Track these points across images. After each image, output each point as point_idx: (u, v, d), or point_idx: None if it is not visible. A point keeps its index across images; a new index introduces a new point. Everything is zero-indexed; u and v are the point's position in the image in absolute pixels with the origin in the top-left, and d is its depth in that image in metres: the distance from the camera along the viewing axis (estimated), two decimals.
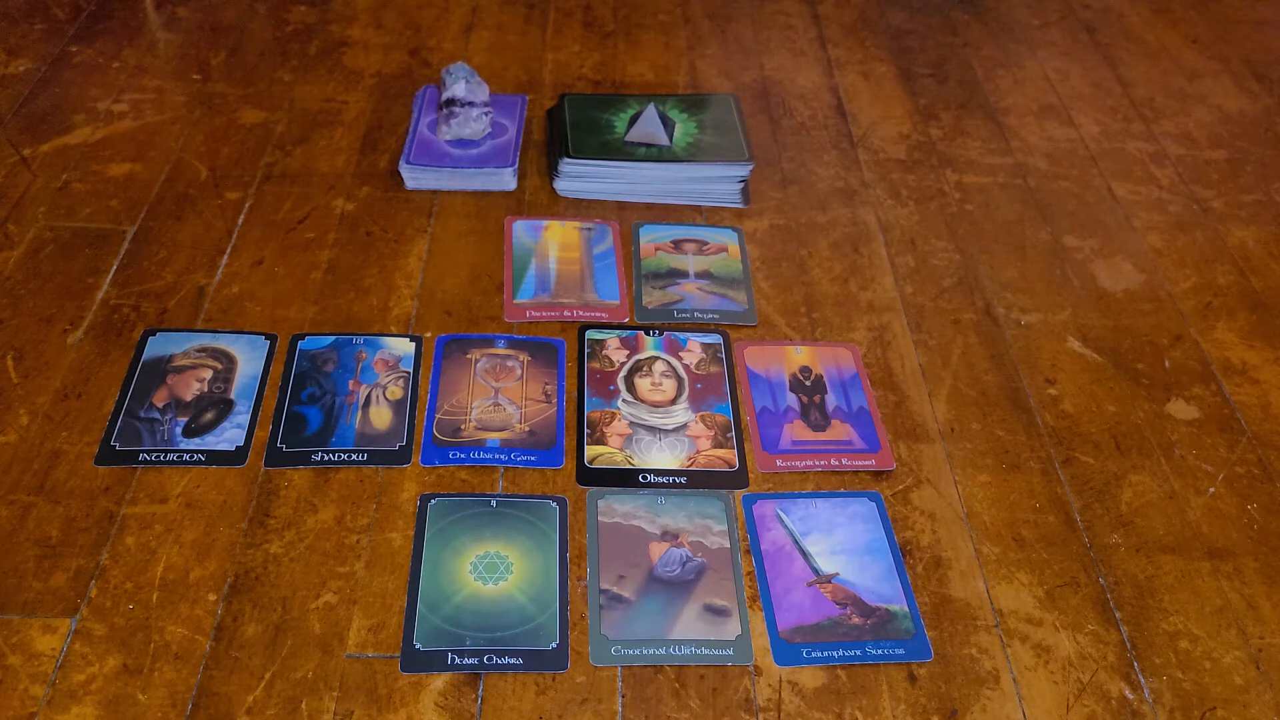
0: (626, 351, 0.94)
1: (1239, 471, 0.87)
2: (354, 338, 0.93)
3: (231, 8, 1.37)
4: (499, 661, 0.71)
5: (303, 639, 0.72)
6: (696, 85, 1.29)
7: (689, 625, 0.74)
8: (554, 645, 0.72)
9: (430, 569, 0.76)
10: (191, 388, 0.87)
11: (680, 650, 0.72)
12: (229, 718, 0.67)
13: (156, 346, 0.91)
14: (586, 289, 1.00)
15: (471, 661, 0.71)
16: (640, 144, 1.12)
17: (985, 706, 0.71)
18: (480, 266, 1.02)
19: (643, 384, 0.91)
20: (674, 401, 0.90)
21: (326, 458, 0.83)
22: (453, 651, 0.71)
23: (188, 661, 0.70)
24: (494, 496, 0.81)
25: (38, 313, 0.94)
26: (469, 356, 0.92)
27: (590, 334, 0.95)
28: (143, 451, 0.82)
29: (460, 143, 1.13)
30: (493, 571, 0.76)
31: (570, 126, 1.14)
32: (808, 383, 0.92)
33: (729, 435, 0.87)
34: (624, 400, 0.89)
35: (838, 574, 0.78)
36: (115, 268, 0.99)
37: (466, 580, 0.76)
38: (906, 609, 0.76)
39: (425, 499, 0.80)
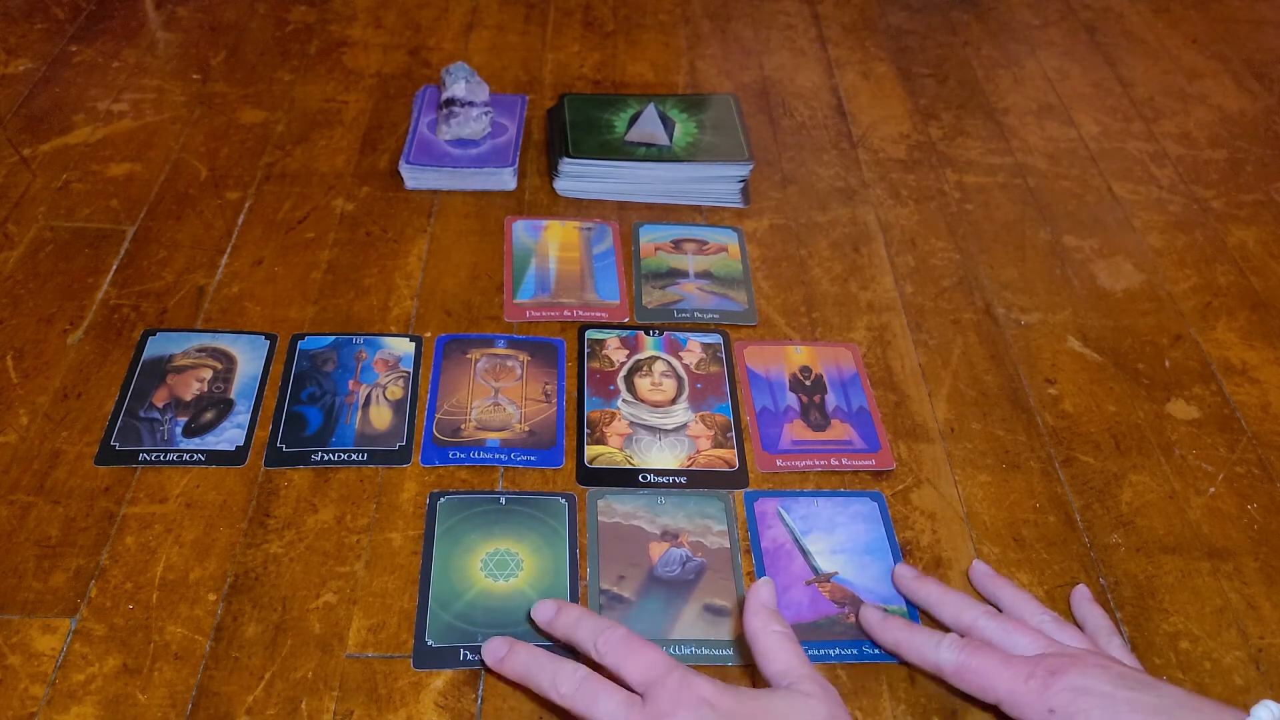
0: (626, 351, 0.94)
1: (1239, 471, 0.87)
2: (354, 337, 0.93)
3: (231, 7, 1.37)
4: None
5: (303, 639, 0.72)
6: (696, 85, 1.29)
7: (689, 625, 0.74)
8: None
9: (441, 566, 0.76)
10: (191, 388, 0.87)
11: (680, 650, 0.72)
12: (229, 718, 0.67)
13: (156, 346, 0.91)
14: (586, 289, 1.00)
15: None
16: (640, 144, 1.12)
17: (986, 707, 0.71)
18: (480, 266, 1.02)
19: (643, 384, 0.91)
20: (674, 401, 0.90)
21: (326, 457, 0.83)
22: (464, 648, 0.71)
23: (188, 661, 0.70)
24: (503, 494, 0.81)
25: (38, 313, 0.94)
26: (469, 356, 0.92)
27: (590, 334, 0.95)
28: (143, 451, 0.82)
29: (460, 143, 1.13)
30: (503, 568, 0.76)
31: (570, 126, 1.14)
32: (808, 382, 0.92)
33: (729, 435, 0.87)
34: (624, 400, 0.89)
35: (837, 573, 0.78)
36: (115, 268, 0.99)
37: (477, 577, 0.76)
38: (905, 609, 0.76)
39: (435, 496, 0.80)
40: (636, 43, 1.36)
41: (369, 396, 0.88)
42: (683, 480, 0.83)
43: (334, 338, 0.93)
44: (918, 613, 0.75)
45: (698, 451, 0.86)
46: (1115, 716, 0.59)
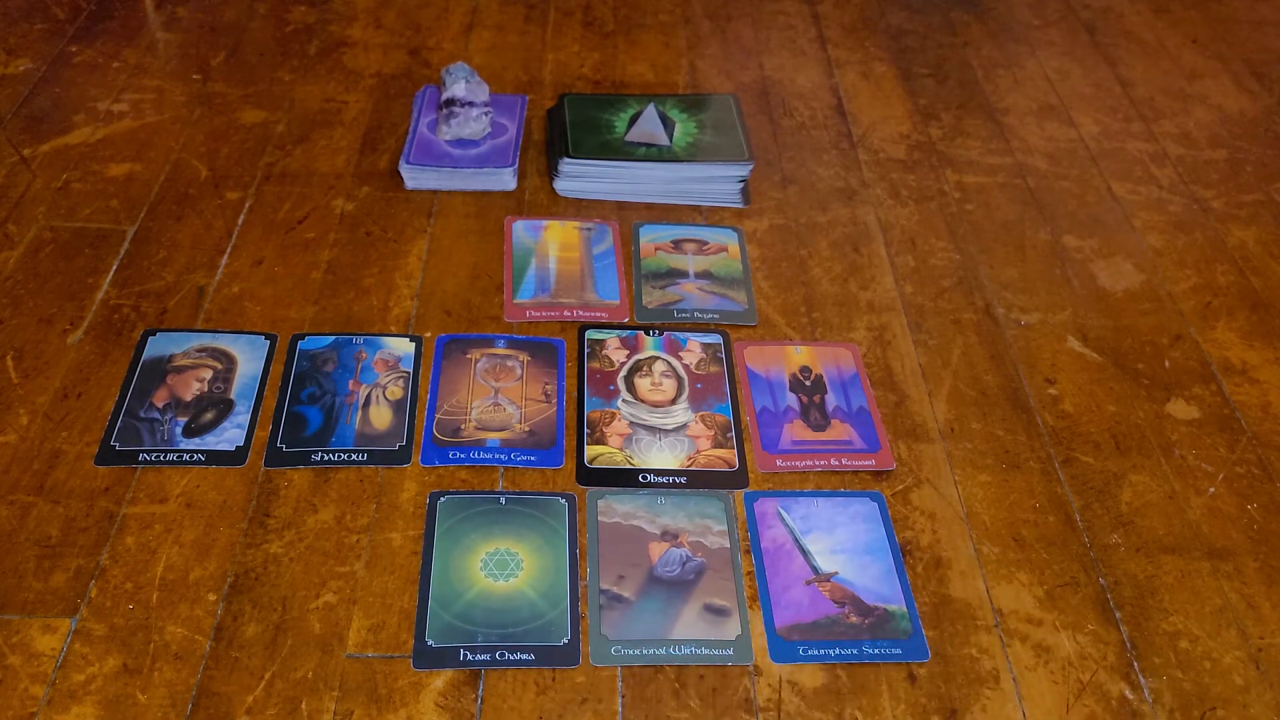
0: (626, 351, 0.94)
1: (1239, 471, 0.87)
2: (354, 338, 0.93)
3: (231, 8, 1.37)
4: (511, 657, 0.71)
5: (303, 639, 0.72)
6: (696, 85, 1.29)
7: (689, 625, 0.74)
8: (565, 641, 0.72)
9: (441, 566, 0.76)
10: (191, 388, 0.87)
11: (680, 650, 0.72)
12: (229, 718, 0.67)
13: (156, 346, 0.91)
14: (586, 289, 1.00)
15: (484, 658, 0.71)
16: (640, 144, 1.12)
17: (985, 706, 0.71)
18: (480, 266, 1.02)
19: (643, 384, 0.91)
20: (674, 401, 0.90)
21: (326, 458, 0.83)
22: (464, 648, 0.71)
23: (188, 661, 0.70)
24: (503, 494, 0.81)
25: (38, 313, 0.94)
26: (469, 356, 0.92)
27: (590, 334, 0.95)
28: (143, 451, 0.82)
29: (460, 143, 1.13)
30: (503, 568, 0.76)
31: (570, 126, 1.14)
32: (808, 383, 0.92)
33: (729, 435, 0.87)
34: (624, 400, 0.89)
35: (837, 573, 0.78)
36: (115, 268, 0.99)
37: (477, 577, 0.76)
38: (905, 609, 0.76)
39: (435, 496, 0.80)
40: (636, 43, 1.36)
41: (369, 396, 0.88)
42: (683, 480, 0.83)
43: (334, 338, 0.93)
44: (920, 619, 0.75)
45: (698, 451, 0.86)
46: None
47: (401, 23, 1.37)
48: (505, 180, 1.10)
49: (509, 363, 0.92)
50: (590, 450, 0.85)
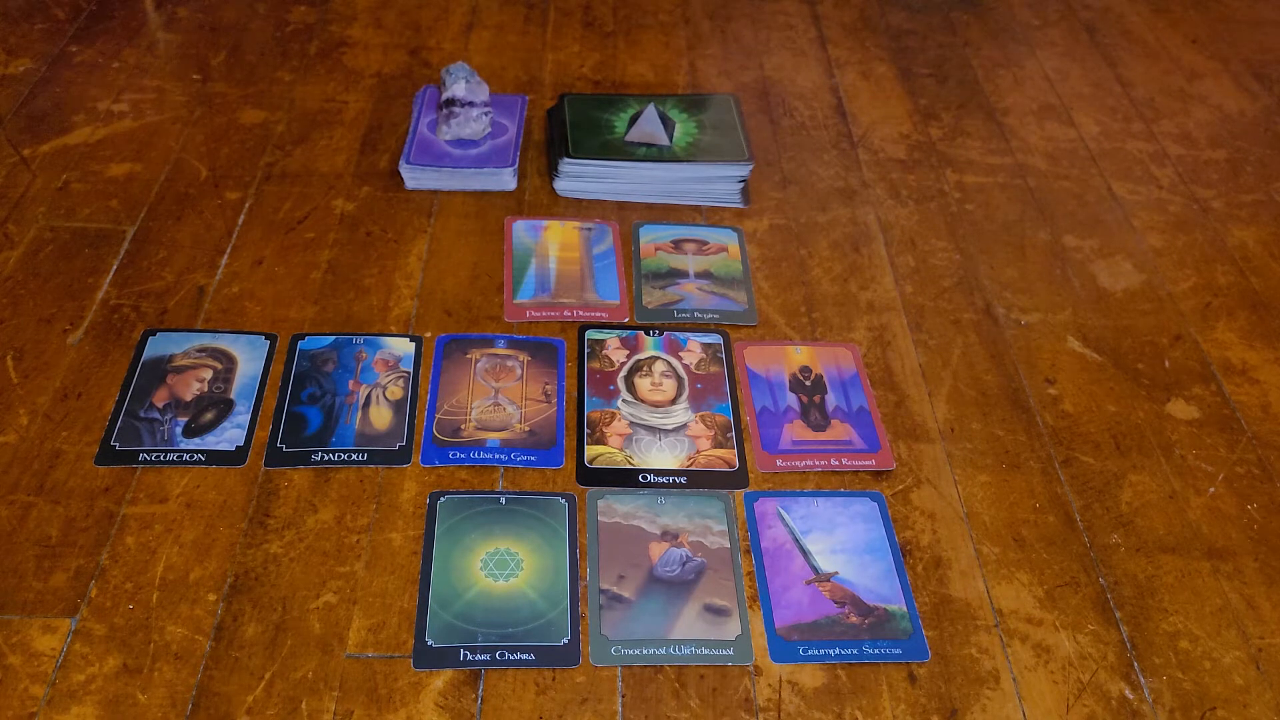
0: (626, 351, 0.94)
1: (1239, 471, 0.87)
2: (354, 338, 0.93)
3: (231, 8, 1.37)
4: (511, 657, 0.71)
5: (303, 639, 0.72)
6: (696, 85, 1.29)
7: (689, 625, 0.74)
8: (565, 641, 0.72)
9: (441, 566, 0.76)
10: (191, 388, 0.87)
11: (680, 650, 0.72)
12: (229, 718, 0.67)
13: (156, 346, 0.91)
14: (586, 289, 1.00)
15: (484, 658, 0.71)
16: (640, 144, 1.12)
17: (985, 706, 0.71)
18: (480, 266, 1.02)
19: (643, 384, 0.91)
20: (674, 401, 0.90)
21: (326, 458, 0.83)
22: (464, 648, 0.71)
23: (188, 661, 0.70)
24: (504, 494, 0.81)
25: (38, 313, 0.94)
26: (469, 356, 0.92)
27: (590, 334, 0.95)
28: (143, 451, 0.82)
29: (460, 143, 1.13)
30: (503, 568, 0.76)
31: (570, 126, 1.14)
32: (808, 383, 0.92)
33: (729, 435, 0.87)
34: (624, 400, 0.89)
35: (837, 573, 0.78)
36: (115, 268, 0.99)
37: (477, 577, 0.76)
38: (905, 609, 0.76)
39: (435, 496, 0.80)
40: (636, 43, 1.36)
41: (369, 396, 0.88)
42: (683, 480, 0.83)
43: (334, 338, 0.93)
44: (920, 619, 0.75)
45: (698, 451, 0.86)
46: None
47: (401, 23, 1.37)
48: (505, 180, 1.10)
49: (509, 363, 0.92)
50: (590, 450, 0.85)
